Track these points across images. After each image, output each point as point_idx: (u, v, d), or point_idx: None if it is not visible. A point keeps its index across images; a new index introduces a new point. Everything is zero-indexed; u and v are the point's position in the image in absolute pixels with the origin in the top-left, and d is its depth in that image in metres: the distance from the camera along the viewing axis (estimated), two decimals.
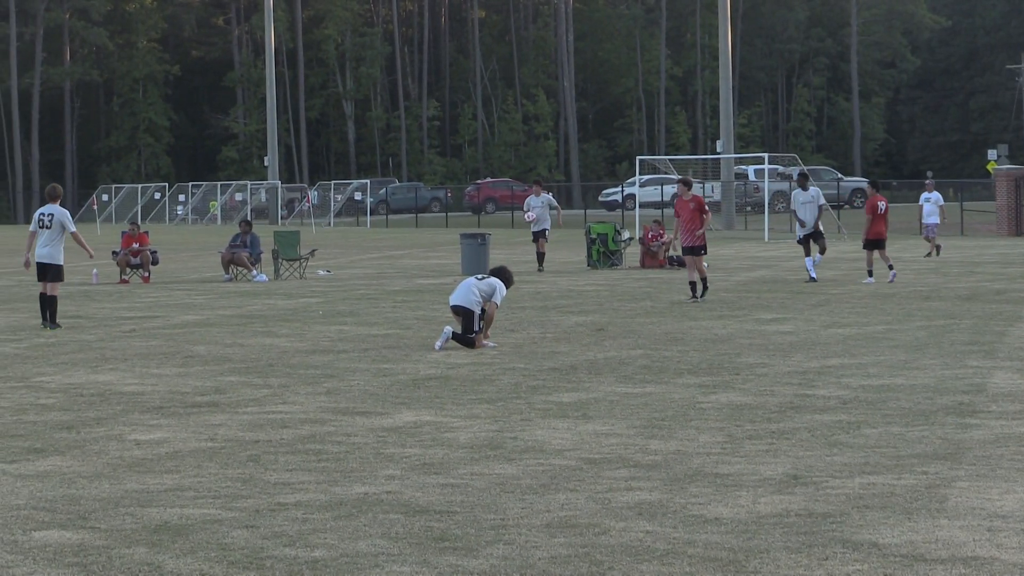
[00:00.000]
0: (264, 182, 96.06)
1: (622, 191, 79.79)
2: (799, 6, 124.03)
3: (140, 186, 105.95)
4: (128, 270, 35.28)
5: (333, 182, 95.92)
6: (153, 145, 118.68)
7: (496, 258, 35.61)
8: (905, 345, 19.01)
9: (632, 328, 21.98)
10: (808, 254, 31.47)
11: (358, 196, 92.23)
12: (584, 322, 23.05)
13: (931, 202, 42.21)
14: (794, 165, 68.81)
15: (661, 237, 38.35)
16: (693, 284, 26.87)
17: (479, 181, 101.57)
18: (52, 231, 22.94)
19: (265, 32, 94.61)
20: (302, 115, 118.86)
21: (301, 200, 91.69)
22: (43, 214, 23.07)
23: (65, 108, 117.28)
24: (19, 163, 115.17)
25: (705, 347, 19.22)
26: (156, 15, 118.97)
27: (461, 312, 19.49)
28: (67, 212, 23.25)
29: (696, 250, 26.83)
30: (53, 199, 23.10)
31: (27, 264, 23.31)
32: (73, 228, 23.06)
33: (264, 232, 43.79)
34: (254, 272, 35.18)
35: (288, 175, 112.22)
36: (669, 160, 72.37)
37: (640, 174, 73.62)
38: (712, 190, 69.45)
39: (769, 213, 59.50)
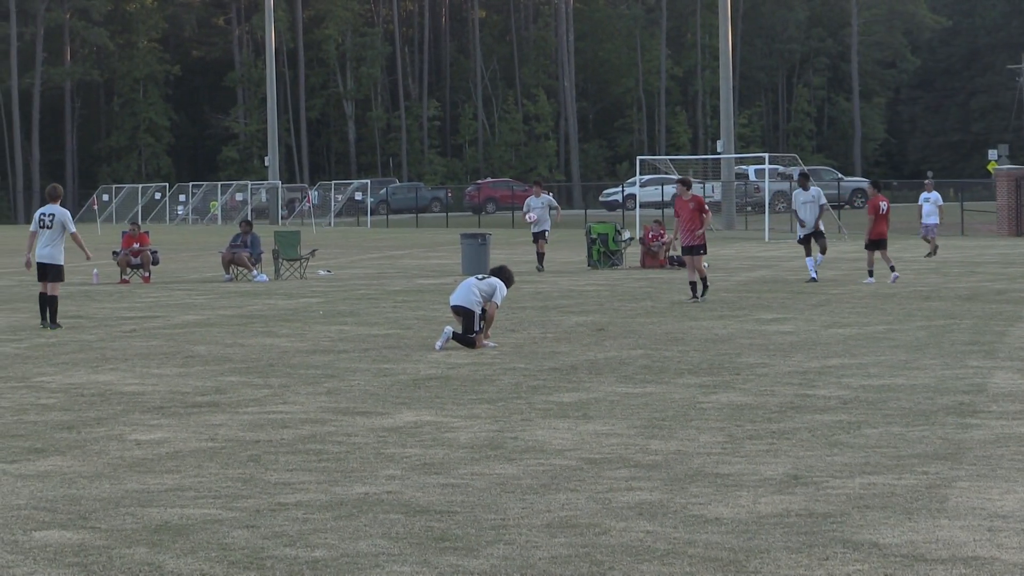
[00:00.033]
0: (264, 182, 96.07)
1: (622, 191, 79.78)
2: (799, 6, 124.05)
3: (140, 186, 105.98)
4: (129, 270, 35.28)
5: (333, 182, 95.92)
6: (153, 145, 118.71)
7: (496, 258, 35.60)
8: (905, 345, 19.01)
9: (632, 328, 21.98)
10: (809, 254, 31.47)
11: (358, 196, 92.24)
12: (585, 322, 23.05)
13: (930, 202, 42.21)
14: (794, 165, 68.84)
15: (661, 237, 38.35)
16: (693, 284, 26.87)
17: (479, 181, 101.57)
18: (53, 231, 22.93)
19: (265, 32, 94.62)
20: (302, 115, 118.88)
21: (301, 200, 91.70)
22: (44, 214, 23.07)
23: (66, 108, 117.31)
24: (20, 163, 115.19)
25: (706, 347, 19.22)
26: (157, 15, 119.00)
27: (461, 312, 19.49)
28: (68, 212, 23.25)
29: (695, 250, 26.83)
30: (53, 199, 23.10)
31: (28, 264, 23.31)
32: (73, 229, 23.05)
33: (264, 232, 43.79)
34: (254, 272, 35.18)
35: (288, 175, 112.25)
36: (669, 160, 72.37)
37: (640, 174, 73.63)
38: (712, 190, 69.44)
39: (769, 213, 59.50)
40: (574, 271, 37.40)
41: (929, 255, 40.57)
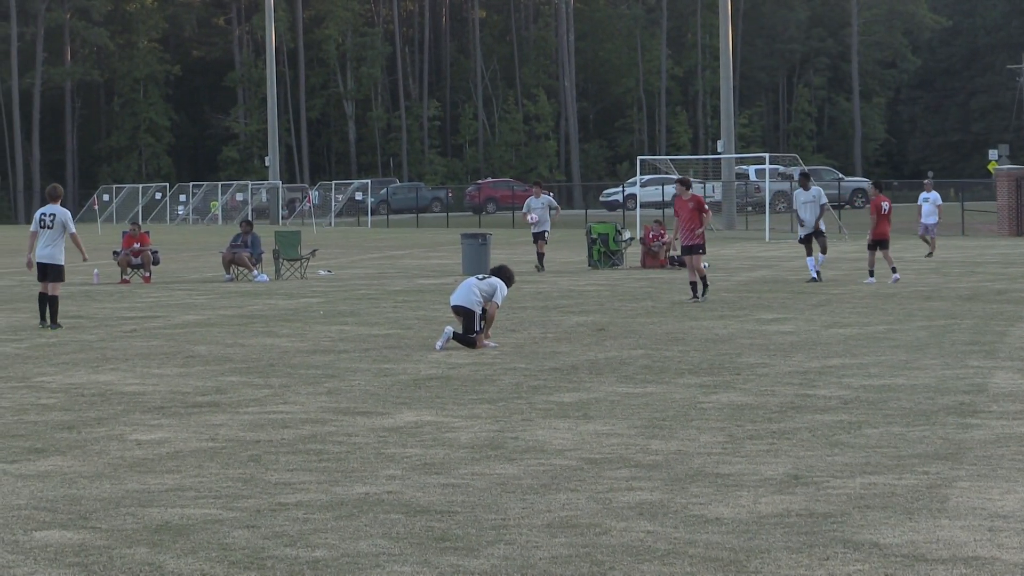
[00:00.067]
0: (265, 182, 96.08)
1: (623, 191, 79.78)
2: (800, 6, 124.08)
3: (141, 186, 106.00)
4: (129, 270, 35.29)
5: (334, 182, 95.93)
6: (154, 145, 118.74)
7: (497, 258, 35.59)
8: (906, 345, 19.01)
9: (633, 328, 21.98)
10: (810, 254, 31.46)
11: (359, 196, 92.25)
12: (585, 322, 23.05)
13: (929, 202, 42.22)
14: (795, 165, 68.86)
15: (662, 237, 38.35)
16: (694, 284, 26.87)
17: (480, 181, 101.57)
18: (54, 231, 22.93)
19: (266, 32, 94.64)
20: (303, 115, 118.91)
21: (302, 200, 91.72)
22: (44, 214, 23.06)
23: (66, 108, 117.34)
24: (20, 163, 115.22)
25: (706, 347, 19.22)
26: (157, 15, 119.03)
27: (462, 312, 19.49)
28: (68, 212, 23.26)
29: (695, 249, 26.80)
30: (54, 199, 23.10)
31: (30, 264, 23.30)
32: (73, 229, 23.06)
33: (265, 232, 43.80)
34: (255, 272, 35.18)
35: (289, 175, 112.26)
36: (670, 160, 72.37)
37: (641, 174, 73.64)
38: (713, 190, 69.44)
39: (770, 213, 59.49)
40: (574, 271, 37.40)
41: (929, 255, 40.56)
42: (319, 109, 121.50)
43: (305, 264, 36.58)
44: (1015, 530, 9.01)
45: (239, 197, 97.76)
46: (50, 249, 22.95)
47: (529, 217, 38.39)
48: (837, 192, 69.37)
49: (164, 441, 12.66)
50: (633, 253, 40.34)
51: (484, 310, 19.50)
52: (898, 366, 16.89)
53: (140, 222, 56.53)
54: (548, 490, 10.38)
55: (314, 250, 38.40)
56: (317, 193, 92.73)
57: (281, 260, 36.38)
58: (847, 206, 73.50)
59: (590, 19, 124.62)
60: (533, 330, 21.77)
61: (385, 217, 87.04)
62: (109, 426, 13.49)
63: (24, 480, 11.03)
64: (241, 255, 35.35)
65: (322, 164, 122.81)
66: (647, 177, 77.67)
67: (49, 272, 22.98)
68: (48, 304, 23.15)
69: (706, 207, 27.53)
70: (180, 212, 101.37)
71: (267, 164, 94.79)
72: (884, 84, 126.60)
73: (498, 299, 19.67)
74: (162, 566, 8.48)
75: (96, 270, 35.76)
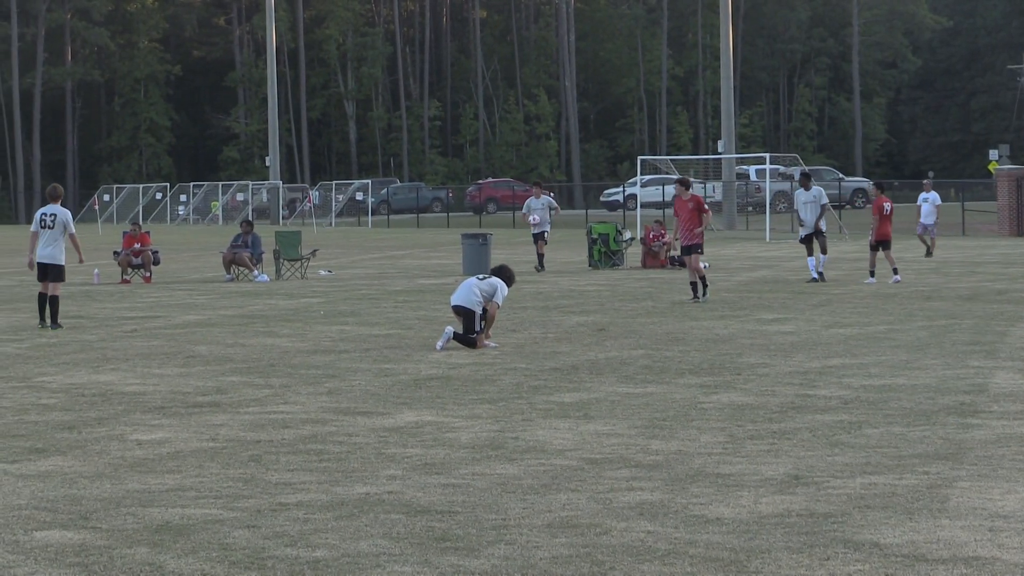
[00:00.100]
0: (265, 182, 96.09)
1: (623, 191, 79.77)
2: (800, 6, 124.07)
3: (141, 186, 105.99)
4: (129, 270, 35.30)
5: (334, 182, 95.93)
6: (154, 145, 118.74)
7: (497, 258, 35.58)
8: (906, 345, 19.01)
9: (633, 328, 21.98)
10: (810, 254, 31.47)
11: (359, 196, 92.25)
12: (585, 322, 23.05)
13: (928, 202, 42.25)
14: (795, 165, 68.86)
15: (662, 237, 38.35)
16: (694, 284, 26.86)
17: (480, 181, 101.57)
18: (54, 231, 22.93)
19: (266, 32, 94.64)
20: (303, 115, 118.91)
21: (302, 200, 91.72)
22: (45, 214, 23.06)
23: (66, 108, 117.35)
24: (20, 163, 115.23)
25: (706, 347, 19.22)
26: (157, 15, 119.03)
27: (462, 312, 19.49)
28: (69, 213, 23.25)
29: (693, 248, 26.78)
30: (54, 199, 23.10)
31: (31, 265, 23.29)
32: (73, 230, 23.07)
33: (265, 232, 43.80)
34: (255, 272, 35.18)
35: (289, 175, 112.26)
36: (670, 160, 72.38)
37: (641, 174, 73.63)
38: (713, 190, 69.44)
39: (770, 213, 59.49)
40: (575, 271, 37.40)
41: (928, 255, 40.57)
42: (320, 109, 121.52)
43: (306, 264, 36.58)
44: (1015, 530, 9.01)
45: (240, 197, 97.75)
46: (51, 249, 22.95)
47: (531, 218, 38.33)
48: (838, 192, 69.37)
49: (165, 441, 12.66)
50: (634, 253, 40.34)
51: (484, 310, 19.50)
52: (899, 366, 16.89)
53: (141, 222, 56.53)
54: (548, 490, 10.38)
55: (314, 250, 38.40)
56: (318, 193, 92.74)
57: (282, 260, 36.38)
58: (848, 206, 73.51)
59: (591, 19, 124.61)
60: (533, 330, 21.77)
61: (386, 217, 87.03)
62: (110, 426, 13.50)
63: (25, 480, 11.03)
64: (242, 255, 35.36)
65: (323, 164, 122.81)
66: (648, 177, 77.68)
67: (50, 272, 22.98)
68: (49, 304, 23.15)
69: (706, 207, 27.53)
70: (181, 212, 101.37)
71: (268, 164, 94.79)
72: (885, 84, 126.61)
73: (499, 299, 19.67)
74: (163, 566, 8.48)
75: (97, 270, 35.76)
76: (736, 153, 74.06)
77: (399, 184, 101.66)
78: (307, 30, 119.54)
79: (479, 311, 19.44)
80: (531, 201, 38.97)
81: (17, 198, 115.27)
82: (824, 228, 31.53)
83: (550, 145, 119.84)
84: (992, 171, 71.75)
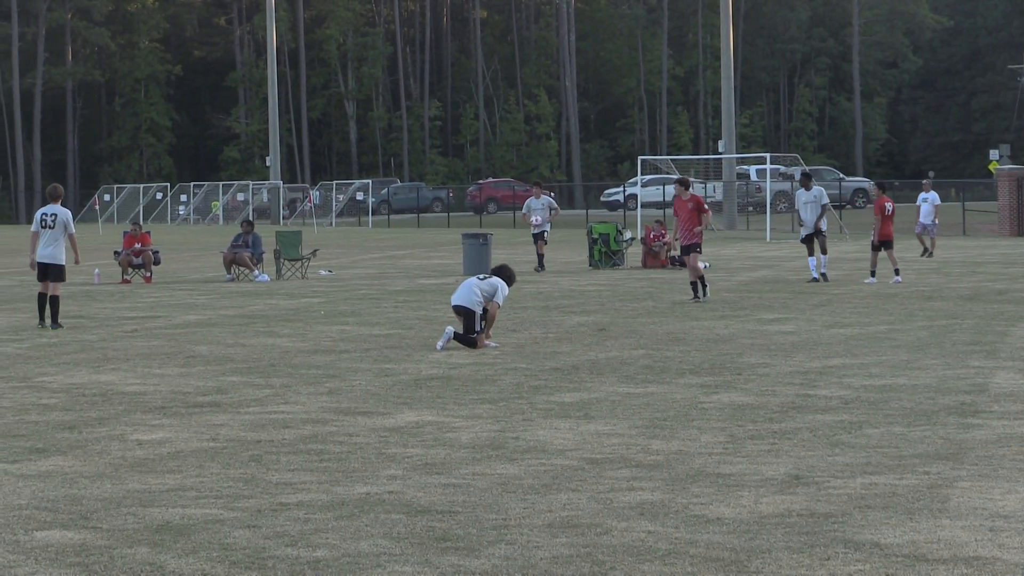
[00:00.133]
0: (266, 182, 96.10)
1: (624, 191, 79.77)
2: (801, 6, 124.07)
3: (142, 186, 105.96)
4: (130, 270, 35.30)
5: (335, 182, 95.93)
6: (155, 145, 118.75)
7: (498, 258, 35.58)
8: (907, 345, 19.01)
9: (634, 328, 21.98)
10: (811, 254, 31.47)
11: (360, 196, 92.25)
12: (586, 322, 23.05)
13: (928, 202, 42.27)
14: (796, 165, 68.87)
15: (663, 237, 38.35)
16: (695, 284, 26.85)
17: (481, 181, 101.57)
18: (55, 231, 22.93)
19: (267, 32, 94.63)
20: (304, 115, 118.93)
21: (303, 200, 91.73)
22: (45, 214, 23.06)
23: (67, 108, 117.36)
24: (21, 163, 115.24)
25: (707, 347, 19.22)
26: (158, 15, 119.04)
27: (463, 312, 19.49)
28: (69, 213, 23.25)
29: (692, 248, 26.76)
30: (55, 199, 23.10)
31: (33, 265, 23.28)
32: (72, 230, 23.08)
33: (266, 232, 43.80)
34: (256, 272, 35.19)
35: (290, 175, 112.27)
36: (671, 160, 72.37)
37: (642, 174, 73.63)
38: (714, 190, 69.44)
39: (771, 213, 59.49)
40: (575, 271, 37.40)
41: (928, 255, 40.56)
42: (320, 109, 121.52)
43: (306, 264, 36.58)
44: (1016, 530, 9.01)
45: (240, 197, 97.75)
46: (51, 249, 22.95)
47: (533, 219, 38.22)
48: (838, 192, 69.40)
49: (165, 441, 12.66)
50: (634, 253, 40.34)
51: (485, 310, 19.50)
52: (899, 366, 16.89)
53: (141, 222, 56.53)
54: (549, 490, 10.38)
55: (315, 250, 38.40)
56: (318, 193, 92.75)
57: (282, 260, 36.38)
58: (848, 206, 73.51)
59: (591, 19, 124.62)
60: (534, 330, 21.77)
61: (386, 217, 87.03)
62: (110, 426, 13.50)
63: (25, 480, 11.03)
64: (242, 255, 35.36)
65: (323, 164, 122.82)
66: (648, 177, 77.67)
67: (50, 272, 22.98)
68: (49, 304, 23.15)
69: (705, 207, 27.51)
70: (181, 212, 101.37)
71: (268, 164, 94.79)
72: (885, 84, 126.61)
73: (499, 299, 19.67)
74: (163, 566, 8.48)
75: (97, 270, 35.77)
76: (736, 153, 74.05)
77: (399, 184, 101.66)
78: (307, 30, 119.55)
79: (479, 311, 19.44)
80: (531, 201, 38.94)
81: (17, 198, 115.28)
82: (824, 228, 31.52)
83: (550, 145, 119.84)
84: (993, 171, 71.74)
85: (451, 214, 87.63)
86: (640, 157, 72.83)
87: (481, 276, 20.22)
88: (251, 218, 61.99)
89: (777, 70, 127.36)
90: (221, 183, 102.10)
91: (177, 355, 19.23)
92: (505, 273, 20.10)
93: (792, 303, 26.03)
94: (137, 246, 35.49)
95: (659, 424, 13.16)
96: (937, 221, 42.40)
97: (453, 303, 19.81)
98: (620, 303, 26.85)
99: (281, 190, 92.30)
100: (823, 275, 31.01)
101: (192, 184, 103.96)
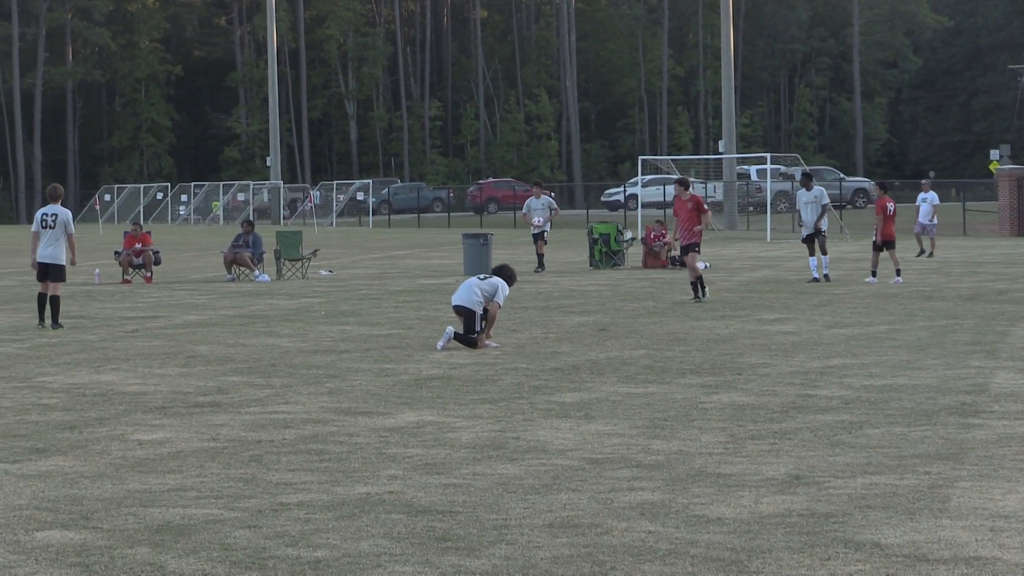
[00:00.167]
0: (266, 182, 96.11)
1: (624, 191, 79.78)
2: (801, 6, 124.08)
3: (142, 186, 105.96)
4: (130, 270, 35.31)
5: (335, 182, 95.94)
6: (155, 145, 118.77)
7: (498, 258, 35.57)
8: (907, 345, 19.01)
9: (634, 328, 21.98)
10: (812, 254, 31.47)
11: (360, 196, 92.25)
12: (586, 322, 23.05)
13: (927, 202, 42.30)
14: (796, 165, 68.86)
15: (663, 237, 38.35)
16: (695, 284, 26.84)
17: (481, 181, 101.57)
18: (55, 231, 22.93)
19: (267, 32, 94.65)
20: (304, 115, 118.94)
21: (303, 200, 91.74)
22: (46, 214, 23.06)
23: (67, 108, 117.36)
24: (21, 163, 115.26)
25: (707, 347, 19.22)
26: (158, 15, 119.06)
27: (463, 312, 19.49)
28: (70, 213, 23.25)
29: (691, 247, 26.75)
30: (55, 199, 23.11)
31: (34, 265, 23.28)
32: (72, 230, 23.09)
33: (266, 232, 43.80)
34: (256, 272, 35.19)
35: (290, 175, 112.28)
36: (671, 160, 72.35)
37: (642, 174, 73.62)
38: (714, 190, 69.44)
39: (771, 213, 59.49)
40: (576, 271, 37.40)
41: (927, 255, 40.57)
42: (320, 109, 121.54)
43: (306, 264, 36.58)
44: (1016, 530, 9.01)
45: (240, 197, 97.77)
46: (52, 249, 22.96)
47: (535, 220, 38.14)
48: (839, 192, 69.38)
49: (165, 441, 12.66)
50: (634, 253, 40.34)
51: (485, 310, 19.50)
52: (899, 366, 16.89)
53: (141, 222, 56.53)
54: (549, 490, 10.38)
55: (315, 250, 38.40)
56: (318, 193, 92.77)
57: (282, 260, 36.38)
58: (848, 206, 73.50)
59: (591, 19, 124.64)
60: (534, 330, 21.77)
61: (386, 217, 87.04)
62: (111, 426, 13.50)
63: (26, 480, 11.03)
64: (243, 255, 35.36)
65: (323, 164, 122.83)
66: (648, 177, 77.66)
67: (51, 272, 22.99)
68: (50, 304, 23.16)
69: (705, 207, 27.50)
70: (181, 212, 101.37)
71: (268, 164, 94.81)
72: (885, 84, 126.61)
73: (499, 299, 19.67)
74: (163, 566, 8.48)
75: (98, 270, 35.79)
76: (737, 153, 74.04)
77: (400, 184, 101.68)
78: (308, 30, 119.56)
79: (480, 311, 19.44)
80: (531, 201, 38.92)
81: (18, 198, 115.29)
82: (824, 228, 31.51)
83: (551, 145, 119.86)
84: (993, 171, 71.74)
85: (451, 214, 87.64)
86: (640, 157, 72.81)
87: (481, 276, 20.23)
88: (251, 218, 61.99)
89: (777, 70, 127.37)
90: (221, 183, 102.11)
91: (178, 355, 19.23)
92: (506, 273, 20.10)
93: (793, 303, 26.03)
94: (138, 246, 35.50)
95: (660, 424, 13.16)
96: (936, 221, 42.45)
97: (453, 303, 19.81)
98: (620, 303, 26.85)
99: (281, 190, 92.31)
100: (826, 276, 31.00)
101: (192, 184, 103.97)
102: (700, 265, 27.47)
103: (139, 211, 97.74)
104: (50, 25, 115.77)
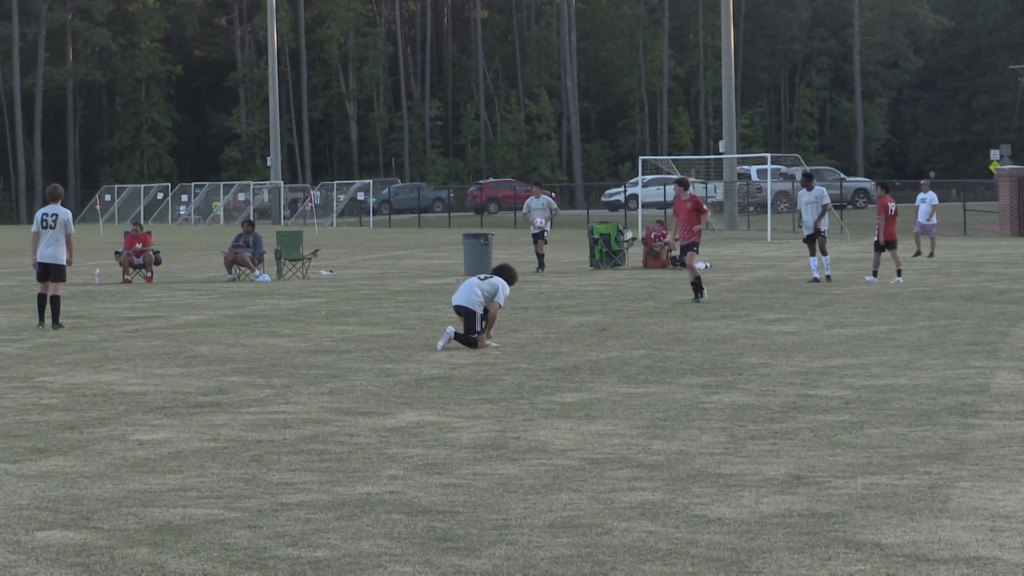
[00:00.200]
0: (267, 182, 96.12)
1: (625, 191, 79.78)
2: (802, 6, 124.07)
3: (143, 186, 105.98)
4: (131, 270, 35.31)
5: (336, 182, 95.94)
6: (156, 145, 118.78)
7: (499, 258, 35.56)
8: (908, 345, 19.01)
9: (635, 328, 21.98)
10: (813, 254, 31.47)
11: (361, 196, 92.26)
12: (587, 322, 23.05)
13: (926, 203, 42.31)
14: (797, 165, 68.86)
15: (664, 237, 38.35)
16: (695, 284, 26.83)
17: (482, 181, 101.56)
18: (56, 231, 22.94)
19: (268, 32, 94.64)
20: (305, 115, 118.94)
21: (304, 200, 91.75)
22: (46, 214, 23.06)
23: (68, 108, 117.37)
24: (22, 163, 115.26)
25: (708, 347, 19.22)
26: (159, 15, 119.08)
27: (463, 312, 19.49)
28: (70, 213, 23.26)
29: (689, 247, 26.75)
30: (55, 199, 23.11)
31: (35, 265, 23.27)
32: (72, 231, 23.09)
33: (267, 232, 43.80)
34: (257, 272, 35.19)
35: (291, 175, 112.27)
36: (672, 160, 72.35)
37: (643, 174, 73.64)
38: (715, 190, 69.43)
39: (772, 213, 59.48)
40: (576, 271, 37.40)
41: (927, 255, 40.56)
42: (321, 109, 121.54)
43: (307, 264, 36.58)
44: (1017, 530, 9.01)
45: (241, 197, 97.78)
46: (52, 249, 22.96)
47: (538, 222, 38.10)
48: (839, 192, 69.37)
49: (166, 441, 12.66)
50: (635, 253, 40.34)
51: (486, 310, 19.50)
52: (900, 366, 16.88)
53: (142, 222, 56.54)
54: (550, 490, 10.38)
55: (316, 250, 38.40)
56: (319, 193, 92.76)
57: (283, 260, 36.38)
58: (849, 206, 73.50)
59: (592, 19, 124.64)
60: (535, 330, 21.77)
61: (387, 217, 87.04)
62: (111, 426, 13.50)
63: (26, 480, 11.03)
64: (243, 255, 35.37)
65: (324, 164, 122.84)
66: (649, 177, 77.67)
67: (51, 272, 22.99)
68: (50, 304, 23.16)
69: (704, 207, 27.50)
70: (182, 212, 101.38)
71: (269, 164, 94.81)
72: (886, 84, 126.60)
73: (500, 299, 19.67)
74: (164, 566, 8.48)
75: (98, 270, 35.79)
76: (737, 153, 74.04)
77: (400, 184, 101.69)
78: (308, 30, 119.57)
79: (480, 311, 19.44)
80: (531, 201, 38.92)
81: (18, 198, 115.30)
82: (824, 229, 31.49)
83: (551, 145, 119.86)
84: (993, 171, 71.74)
85: (452, 214, 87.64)
86: (641, 157, 72.82)
87: (482, 276, 20.23)
88: (252, 218, 61.99)
89: (778, 70, 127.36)
90: (222, 183, 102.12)
91: (178, 355, 19.23)
92: (506, 273, 20.10)
93: (793, 303, 26.03)
94: (138, 246, 35.50)
95: (660, 424, 13.16)
96: (935, 221, 42.46)
97: (454, 303, 19.82)
98: (621, 303, 26.85)
99: (282, 190, 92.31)
100: (827, 277, 30.98)
101: (193, 184, 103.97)
102: (700, 265, 27.47)
103: (139, 211, 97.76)
104: (50, 25, 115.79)
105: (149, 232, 36.76)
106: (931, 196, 42.55)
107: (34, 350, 20.15)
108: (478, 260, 34.93)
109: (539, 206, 38.40)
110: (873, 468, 10.98)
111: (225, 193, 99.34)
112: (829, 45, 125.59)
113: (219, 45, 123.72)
